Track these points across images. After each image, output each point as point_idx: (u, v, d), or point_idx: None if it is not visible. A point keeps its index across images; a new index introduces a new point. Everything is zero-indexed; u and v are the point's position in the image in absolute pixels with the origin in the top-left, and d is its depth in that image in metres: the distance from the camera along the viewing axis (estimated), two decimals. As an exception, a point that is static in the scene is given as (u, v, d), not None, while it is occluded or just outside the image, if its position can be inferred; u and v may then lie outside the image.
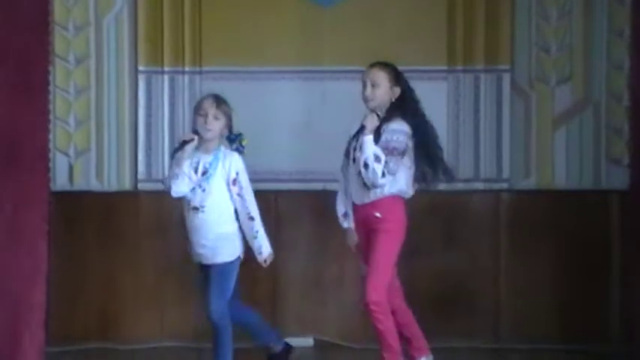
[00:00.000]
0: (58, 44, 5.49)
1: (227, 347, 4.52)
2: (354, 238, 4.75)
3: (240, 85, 5.56)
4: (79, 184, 5.60)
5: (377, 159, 4.51)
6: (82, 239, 5.52)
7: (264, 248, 4.57)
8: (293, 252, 5.53)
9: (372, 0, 5.62)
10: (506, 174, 5.66)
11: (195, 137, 4.51)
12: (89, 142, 5.60)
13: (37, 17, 4.92)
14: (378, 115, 4.59)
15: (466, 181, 5.65)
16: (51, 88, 5.27)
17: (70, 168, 5.63)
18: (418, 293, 5.56)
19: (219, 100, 4.59)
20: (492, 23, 5.61)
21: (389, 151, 4.54)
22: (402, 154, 4.57)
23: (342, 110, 5.44)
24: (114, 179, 5.61)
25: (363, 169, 4.52)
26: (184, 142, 4.51)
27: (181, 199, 4.57)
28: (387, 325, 4.58)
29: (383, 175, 4.51)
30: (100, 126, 5.59)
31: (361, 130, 4.58)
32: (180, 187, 4.50)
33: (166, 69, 5.59)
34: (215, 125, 4.52)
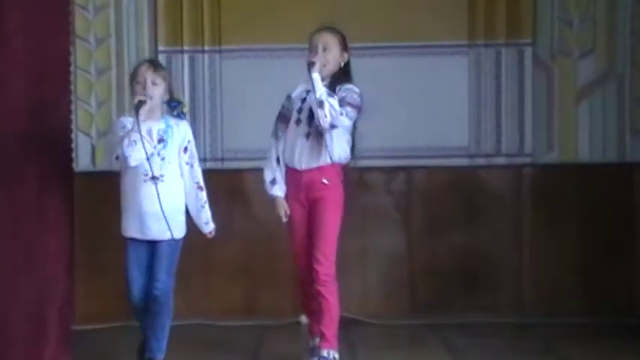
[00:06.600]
0: (79, 25, 5.49)
1: (166, 321, 4.36)
2: (284, 206, 4.48)
3: (259, 64, 5.56)
4: (102, 165, 5.61)
5: (330, 95, 4.26)
6: (105, 219, 5.54)
7: (211, 219, 4.43)
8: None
9: (392, -25, 5.60)
10: (528, 148, 5.62)
11: (149, 99, 4.26)
12: (111, 122, 5.60)
13: (57, -2, 4.92)
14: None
15: (488, 156, 5.63)
16: (72, 68, 5.31)
17: (93, 148, 5.66)
18: (441, 269, 5.58)
19: (156, 65, 4.41)
20: (513, -4, 5.57)
21: (345, 102, 4.33)
22: (357, 109, 4.38)
23: (364, 86, 5.40)
24: (136, 159, 5.62)
25: (318, 110, 4.23)
26: (141, 103, 4.23)
27: (129, 169, 4.30)
28: (335, 299, 4.40)
29: (341, 114, 4.27)
30: (121, 106, 5.58)
31: (310, 68, 4.29)
32: (138, 154, 4.21)
33: (186, 48, 5.59)
34: (154, 91, 4.30)
